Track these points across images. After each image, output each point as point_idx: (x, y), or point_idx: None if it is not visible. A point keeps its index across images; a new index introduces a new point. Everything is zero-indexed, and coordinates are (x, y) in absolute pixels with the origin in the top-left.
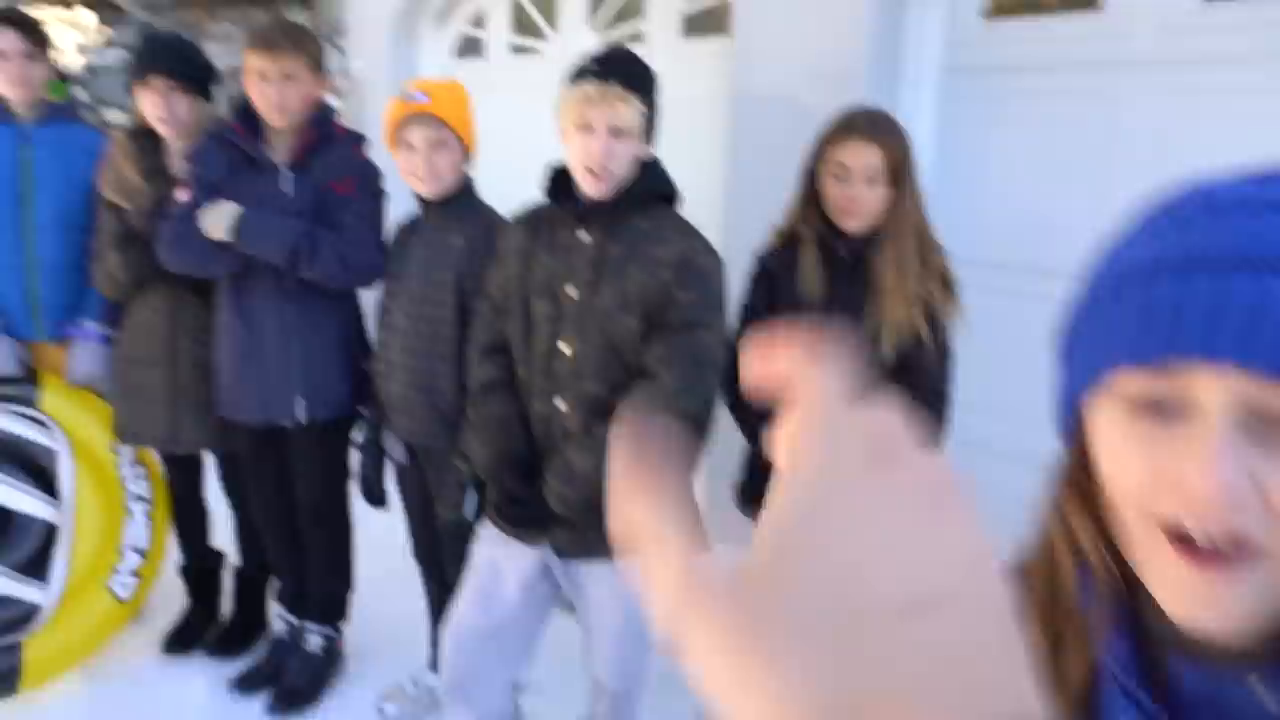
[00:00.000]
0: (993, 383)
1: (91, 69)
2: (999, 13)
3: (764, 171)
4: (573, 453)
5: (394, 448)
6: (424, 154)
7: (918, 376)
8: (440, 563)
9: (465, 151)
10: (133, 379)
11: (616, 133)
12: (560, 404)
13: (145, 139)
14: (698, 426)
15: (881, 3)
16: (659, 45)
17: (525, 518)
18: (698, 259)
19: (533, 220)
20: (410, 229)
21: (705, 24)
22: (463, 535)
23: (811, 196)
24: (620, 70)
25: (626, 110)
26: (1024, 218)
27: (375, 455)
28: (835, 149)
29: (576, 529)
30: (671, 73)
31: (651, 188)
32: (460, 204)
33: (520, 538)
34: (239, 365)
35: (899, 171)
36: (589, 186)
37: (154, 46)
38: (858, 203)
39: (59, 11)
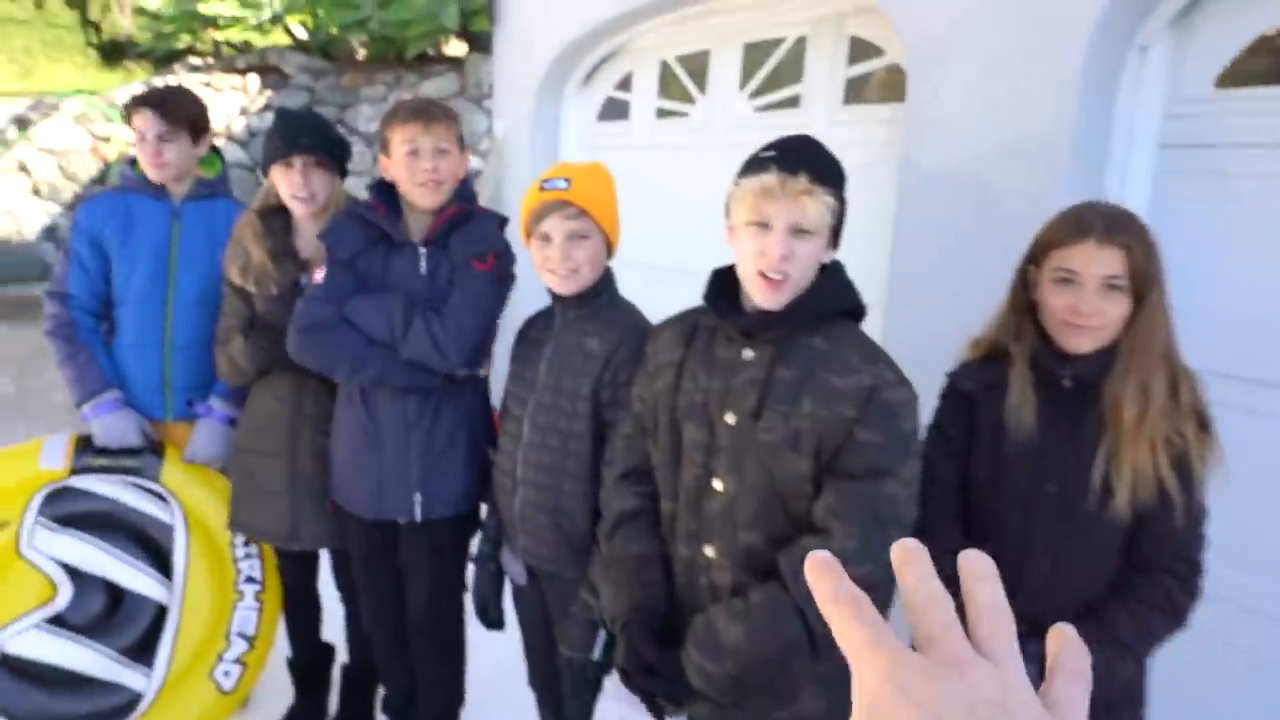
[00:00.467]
0: (1215, 517)
1: (252, 131)
2: (1234, 80)
3: (934, 257)
4: (720, 619)
5: (512, 565)
6: (561, 246)
7: (1163, 541)
8: (559, 696)
9: (607, 244)
10: (252, 470)
11: (798, 232)
12: (709, 551)
13: (274, 218)
14: (877, 593)
15: (1096, 66)
16: (817, 110)
17: (658, 690)
18: (886, 393)
19: (688, 328)
20: (541, 324)
21: (871, 89)
22: (586, 676)
23: (1025, 305)
24: (807, 160)
25: (814, 206)
26: (1253, 320)
27: (493, 572)
28: (1061, 253)
29: (721, 705)
30: (830, 141)
31: (833, 300)
32: (600, 302)
33: (652, 708)
34: (357, 455)
35: (1144, 280)
36: (761, 294)
37: (292, 125)
38: (1089, 317)
39: (229, 78)
